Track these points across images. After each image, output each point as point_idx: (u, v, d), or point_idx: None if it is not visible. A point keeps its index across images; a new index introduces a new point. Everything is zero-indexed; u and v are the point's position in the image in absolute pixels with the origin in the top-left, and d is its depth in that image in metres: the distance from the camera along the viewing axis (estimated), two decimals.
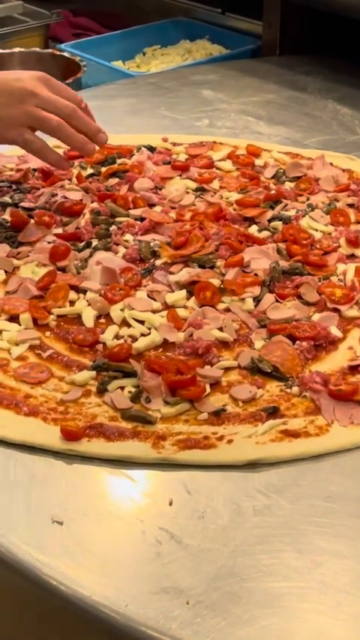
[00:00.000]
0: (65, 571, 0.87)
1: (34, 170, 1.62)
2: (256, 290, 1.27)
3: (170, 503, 0.95)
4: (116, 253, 1.37)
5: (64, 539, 0.91)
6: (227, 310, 1.24)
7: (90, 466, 1.01)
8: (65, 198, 1.52)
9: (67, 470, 1.00)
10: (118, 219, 1.46)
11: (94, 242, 1.40)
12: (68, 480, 0.99)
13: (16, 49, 2.43)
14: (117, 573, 0.87)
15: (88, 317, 1.23)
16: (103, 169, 1.62)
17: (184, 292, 1.27)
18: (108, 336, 1.19)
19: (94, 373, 1.13)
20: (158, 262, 1.35)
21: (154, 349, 1.18)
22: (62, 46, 2.45)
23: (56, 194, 1.53)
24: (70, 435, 1.03)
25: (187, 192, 1.55)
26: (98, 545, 0.91)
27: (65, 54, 2.35)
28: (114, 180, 1.58)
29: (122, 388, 1.10)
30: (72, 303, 1.27)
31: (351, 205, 1.51)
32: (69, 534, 0.92)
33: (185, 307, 1.25)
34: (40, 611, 0.91)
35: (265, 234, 1.42)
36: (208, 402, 1.08)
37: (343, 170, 1.62)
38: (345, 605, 0.84)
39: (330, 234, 1.42)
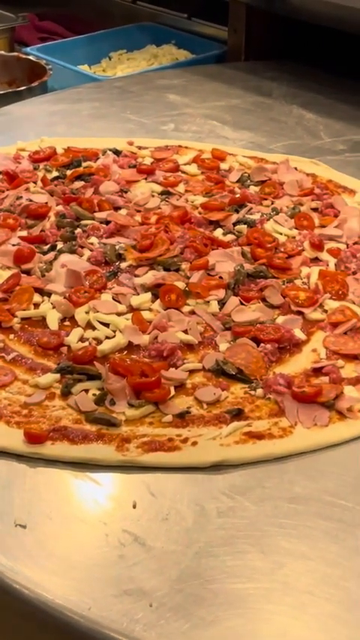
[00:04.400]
0: (28, 574, 0.87)
1: None
2: (221, 293, 1.28)
3: (134, 506, 0.95)
4: (81, 256, 1.37)
5: (28, 543, 0.90)
6: (192, 313, 1.24)
7: (54, 469, 1.00)
8: (30, 201, 1.51)
9: (31, 473, 1.00)
10: (83, 222, 1.46)
11: (59, 245, 1.39)
12: (32, 483, 0.98)
13: None
14: (80, 576, 0.87)
15: (53, 320, 1.22)
16: (69, 172, 1.62)
17: (149, 295, 1.27)
18: (72, 338, 1.18)
19: (58, 376, 1.12)
20: (123, 265, 1.35)
21: (119, 352, 1.17)
22: (28, 49, 2.44)
23: (21, 197, 1.53)
24: (33, 438, 1.02)
25: (153, 196, 1.55)
26: (61, 549, 0.90)
27: (31, 57, 2.34)
28: (79, 184, 1.58)
29: (87, 391, 1.10)
30: (36, 305, 1.26)
31: (315, 209, 1.52)
32: (32, 538, 0.91)
33: (150, 310, 1.25)
34: (2, 614, 0.90)
35: (229, 237, 1.42)
36: (173, 405, 1.08)
37: (308, 174, 1.63)
38: (308, 605, 0.84)
39: (294, 237, 1.43)
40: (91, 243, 1.40)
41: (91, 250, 1.38)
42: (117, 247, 1.38)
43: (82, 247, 1.39)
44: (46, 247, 1.39)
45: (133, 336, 1.19)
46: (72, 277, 1.29)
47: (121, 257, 1.36)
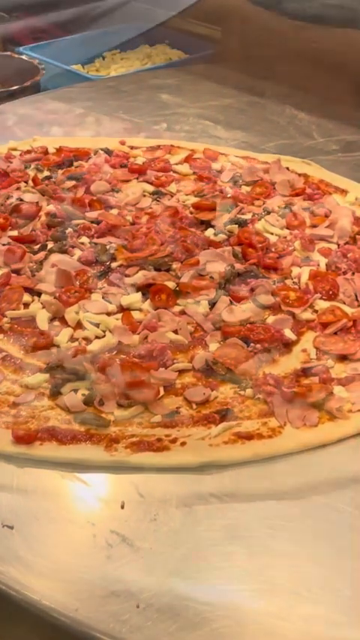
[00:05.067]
0: (15, 576, 0.86)
1: None
2: (212, 293, 1.27)
3: (122, 506, 0.94)
4: (72, 256, 1.36)
5: (15, 544, 0.90)
6: (182, 313, 1.24)
7: (42, 470, 1.00)
8: (21, 200, 1.51)
9: (19, 473, 0.99)
10: (74, 221, 1.45)
11: (50, 244, 1.39)
12: (19, 483, 0.98)
13: None
14: (67, 577, 0.87)
15: (43, 319, 1.22)
16: (60, 172, 1.61)
17: (139, 295, 1.27)
18: (62, 338, 1.18)
19: (47, 376, 1.12)
20: (114, 265, 1.34)
21: (109, 351, 1.17)
22: (21, 48, 2.43)
23: (12, 196, 1.52)
24: (21, 439, 1.01)
25: (144, 195, 1.54)
26: (49, 550, 0.90)
27: (23, 57, 2.34)
28: (70, 183, 1.57)
29: (76, 391, 1.10)
30: (26, 305, 1.26)
31: (306, 209, 1.51)
32: (20, 539, 0.91)
33: (140, 310, 1.25)
34: None
35: (220, 237, 1.42)
36: (162, 405, 1.08)
37: (299, 174, 1.63)
38: (295, 606, 0.84)
39: (285, 237, 1.42)
40: (82, 243, 1.39)
41: (82, 250, 1.37)
42: (108, 247, 1.38)
43: (73, 247, 1.38)
44: (36, 247, 1.39)
45: (122, 335, 1.18)
46: (62, 277, 1.29)
47: (111, 257, 1.36)
